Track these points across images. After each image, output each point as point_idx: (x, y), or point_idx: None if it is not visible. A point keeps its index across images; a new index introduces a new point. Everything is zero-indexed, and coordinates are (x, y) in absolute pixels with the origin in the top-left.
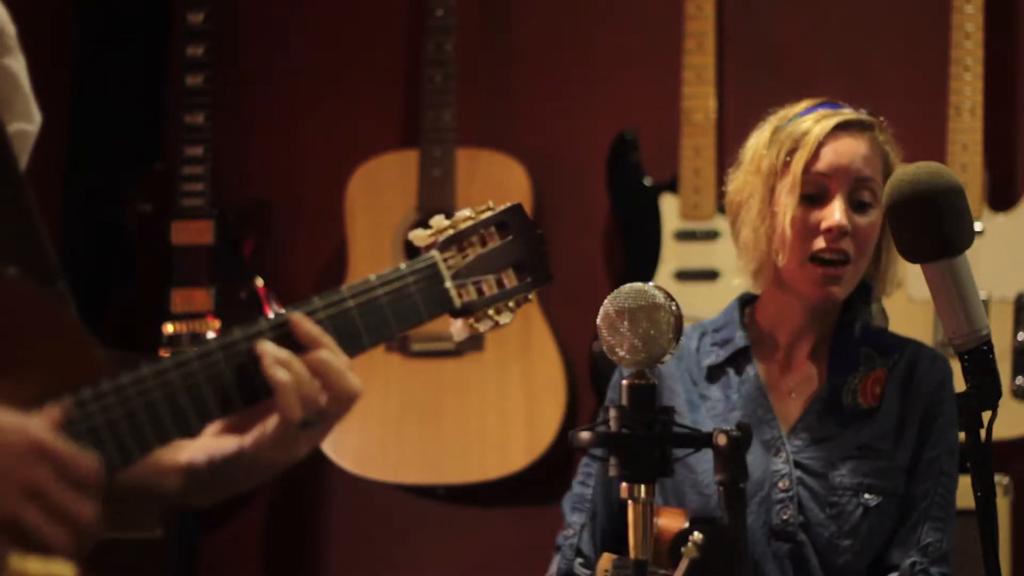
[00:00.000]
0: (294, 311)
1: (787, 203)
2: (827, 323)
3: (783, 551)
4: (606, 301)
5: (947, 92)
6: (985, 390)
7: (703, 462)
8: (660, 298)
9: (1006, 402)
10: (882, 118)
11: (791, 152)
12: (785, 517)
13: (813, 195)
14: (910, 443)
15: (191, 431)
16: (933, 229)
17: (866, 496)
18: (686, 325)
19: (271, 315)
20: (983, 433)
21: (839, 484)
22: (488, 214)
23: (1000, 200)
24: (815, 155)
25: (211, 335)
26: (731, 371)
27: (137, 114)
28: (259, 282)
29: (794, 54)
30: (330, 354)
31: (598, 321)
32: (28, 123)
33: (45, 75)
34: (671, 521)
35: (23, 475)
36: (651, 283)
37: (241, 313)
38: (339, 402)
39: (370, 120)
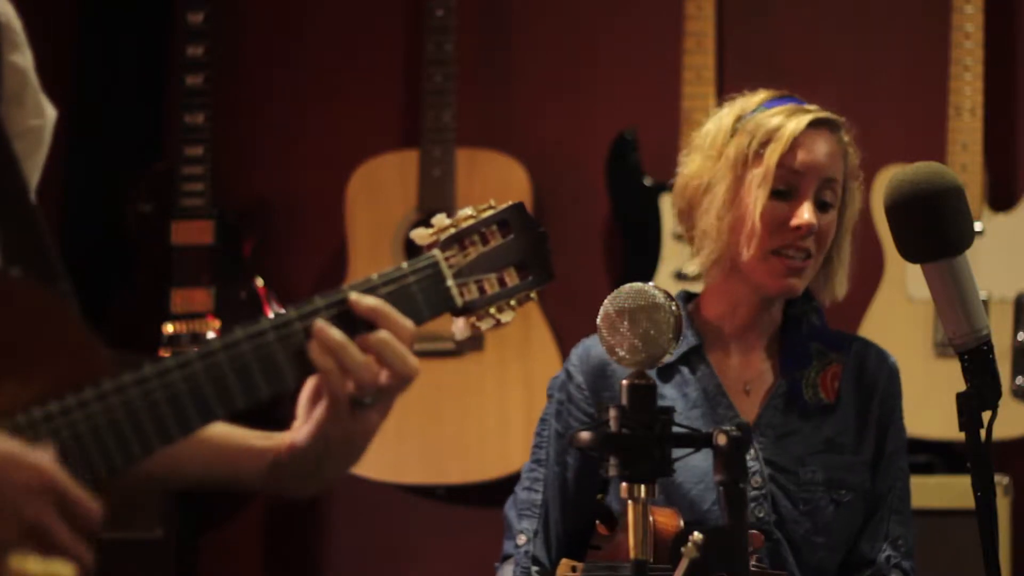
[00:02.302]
0: (350, 290)
1: (758, 195)
2: (773, 319)
3: (760, 550)
4: (606, 301)
5: (947, 92)
6: (985, 390)
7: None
8: (660, 298)
9: (1006, 402)
10: (844, 119)
11: (763, 143)
12: (760, 515)
13: (783, 190)
14: (871, 439)
15: (223, 414)
16: (933, 229)
17: (839, 492)
18: None
19: (330, 294)
20: (983, 433)
21: (810, 480)
22: (490, 212)
23: (1000, 200)
24: (789, 150)
25: (211, 335)
26: (684, 370)
27: (137, 114)
28: (259, 282)
29: (794, 54)
30: (389, 335)
31: (598, 321)
32: (39, 119)
33: (45, 75)
34: (667, 520)
35: (27, 511)
36: (651, 283)
37: (241, 313)
38: (396, 380)
39: (370, 120)
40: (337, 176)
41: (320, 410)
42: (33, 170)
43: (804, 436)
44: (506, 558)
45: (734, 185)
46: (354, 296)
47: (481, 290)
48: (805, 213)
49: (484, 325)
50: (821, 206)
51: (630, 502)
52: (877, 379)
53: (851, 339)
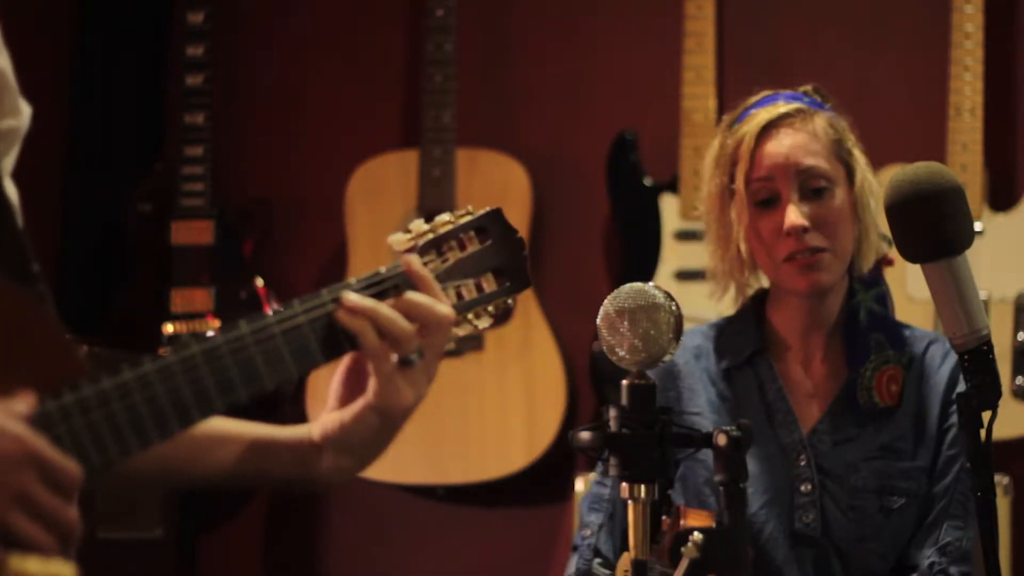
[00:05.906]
0: (327, 294)
1: (740, 220)
2: (831, 317)
3: (806, 556)
4: (606, 301)
5: (947, 92)
6: (985, 390)
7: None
8: (660, 298)
9: (1006, 402)
10: (816, 95)
11: (731, 166)
12: (807, 521)
13: (765, 200)
14: (931, 442)
15: (247, 396)
16: (933, 229)
17: (890, 498)
18: (702, 324)
19: (311, 297)
20: (983, 433)
21: (861, 487)
22: (467, 218)
23: (1000, 200)
24: (754, 163)
25: (211, 335)
26: (750, 372)
27: (137, 114)
28: (259, 282)
29: (794, 54)
30: (414, 293)
31: (598, 321)
32: (16, 119)
33: (45, 75)
34: (700, 522)
35: (14, 480)
36: (651, 283)
37: (241, 313)
38: (433, 332)
39: (370, 120)
40: (337, 176)
41: (372, 384)
42: (7, 168)
43: (860, 442)
44: (575, 549)
45: (722, 219)
46: (401, 263)
47: (458, 295)
48: (790, 216)
49: (461, 331)
50: (815, 194)
51: (630, 502)
52: (941, 380)
53: (916, 337)
